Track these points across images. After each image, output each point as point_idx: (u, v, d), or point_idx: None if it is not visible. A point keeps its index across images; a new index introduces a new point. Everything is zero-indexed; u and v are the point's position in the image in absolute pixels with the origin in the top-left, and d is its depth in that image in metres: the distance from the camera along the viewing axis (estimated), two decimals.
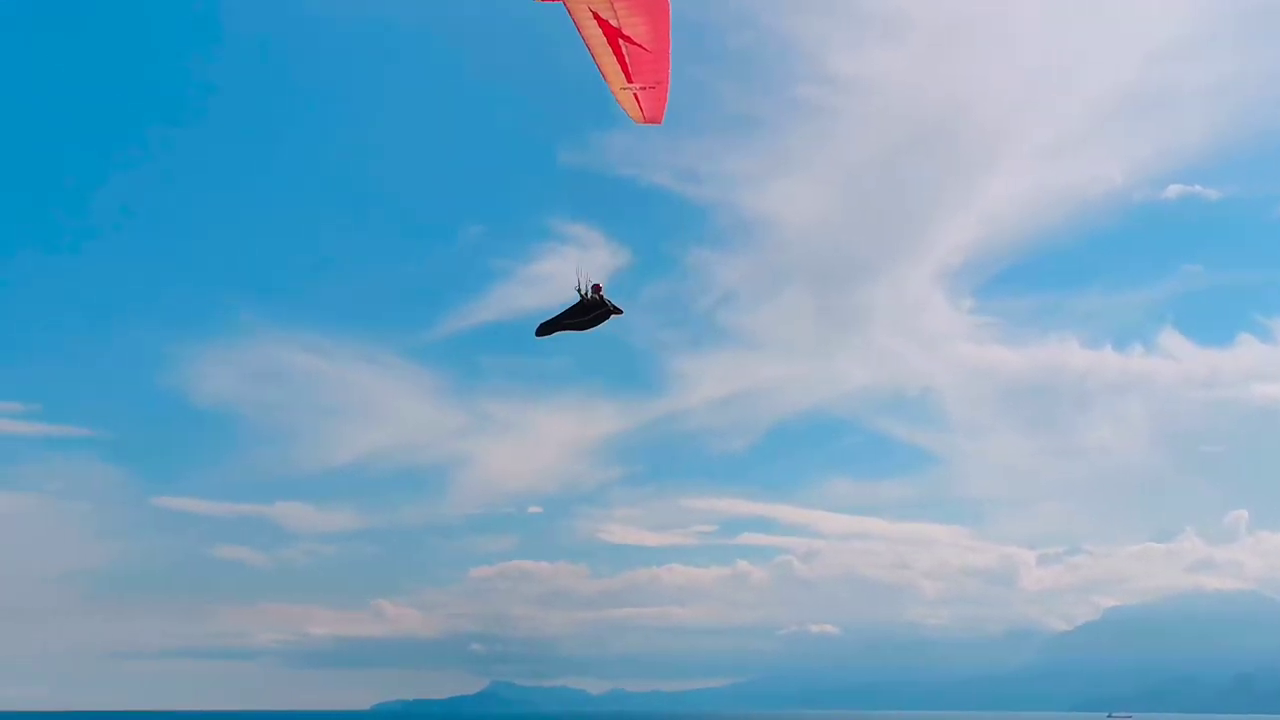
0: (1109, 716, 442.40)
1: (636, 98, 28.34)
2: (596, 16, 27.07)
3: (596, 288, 26.07)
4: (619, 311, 26.30)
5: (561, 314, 25.94)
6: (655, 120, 28.82)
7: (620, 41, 27.48)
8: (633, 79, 28.04)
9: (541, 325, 25.64)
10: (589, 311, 25.97)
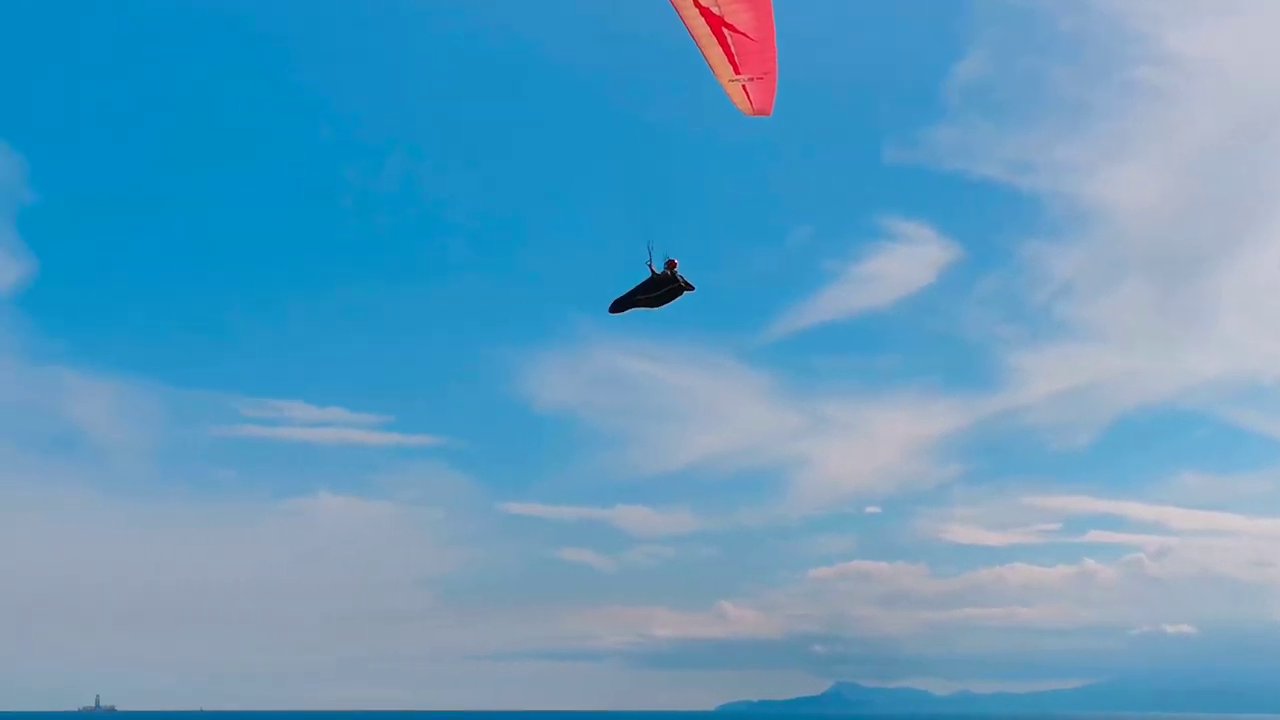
0: None
1: (745, 89, 27.09)
2: (698, 4, 25.95)
3: (672, 264, 25.31)
4: (690, 288, 25.61)
5: (634, 290, 25.48)
6: (764, 112, 27.47)
7: (724, 31, 26.29)
8: (740, 70, 26.80)
9: (615, 302, 25.18)
10: (660, 287, 25.36)
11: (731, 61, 26.70)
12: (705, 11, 25.98)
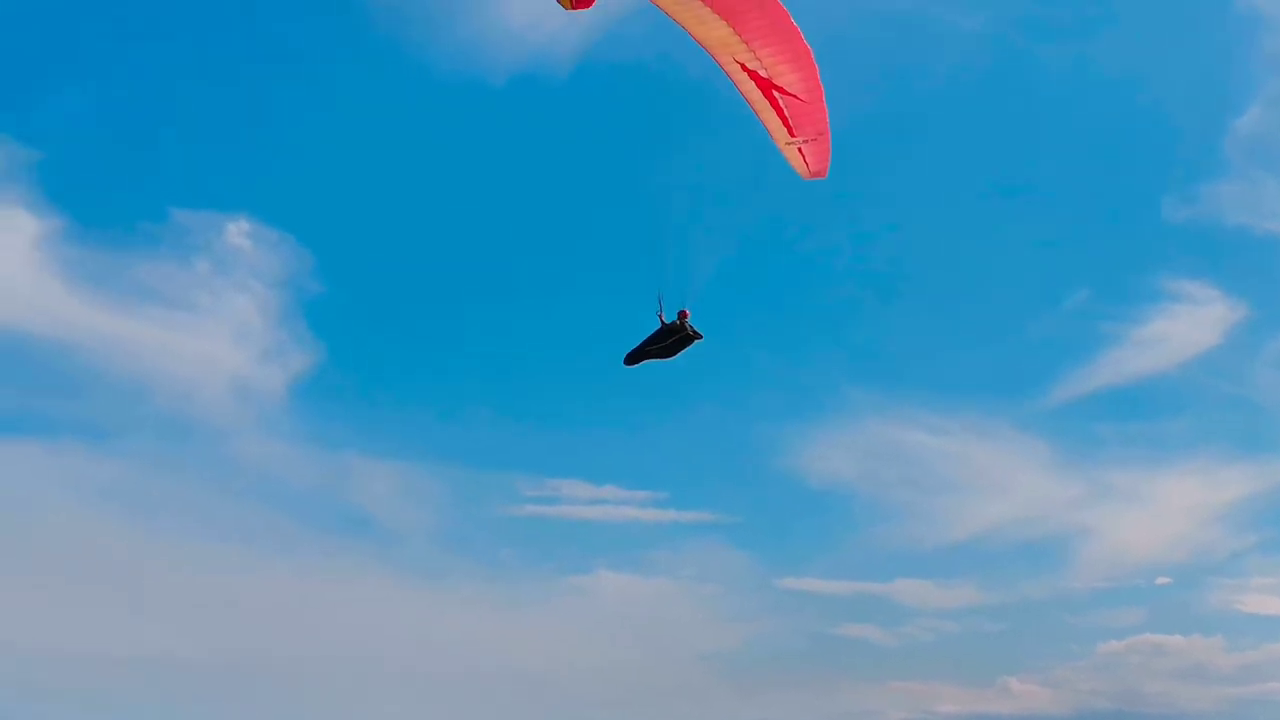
0: None
1: (801, 152, 26.36)
2: (745, 68, 25.50)
3: (683, 314, 24.73)
4: (699, 336, 24.97)
5: (645, 341, 24.88)
6: (821, 174, 26.68)
7: (775, 94, 25.68)
8: (795, 133, 26.12)
9: (627, 355, 24.62)
10: (669, 336, 24.71)
11: (786, 125, 26.06)
12: (754, 75, 25.46)
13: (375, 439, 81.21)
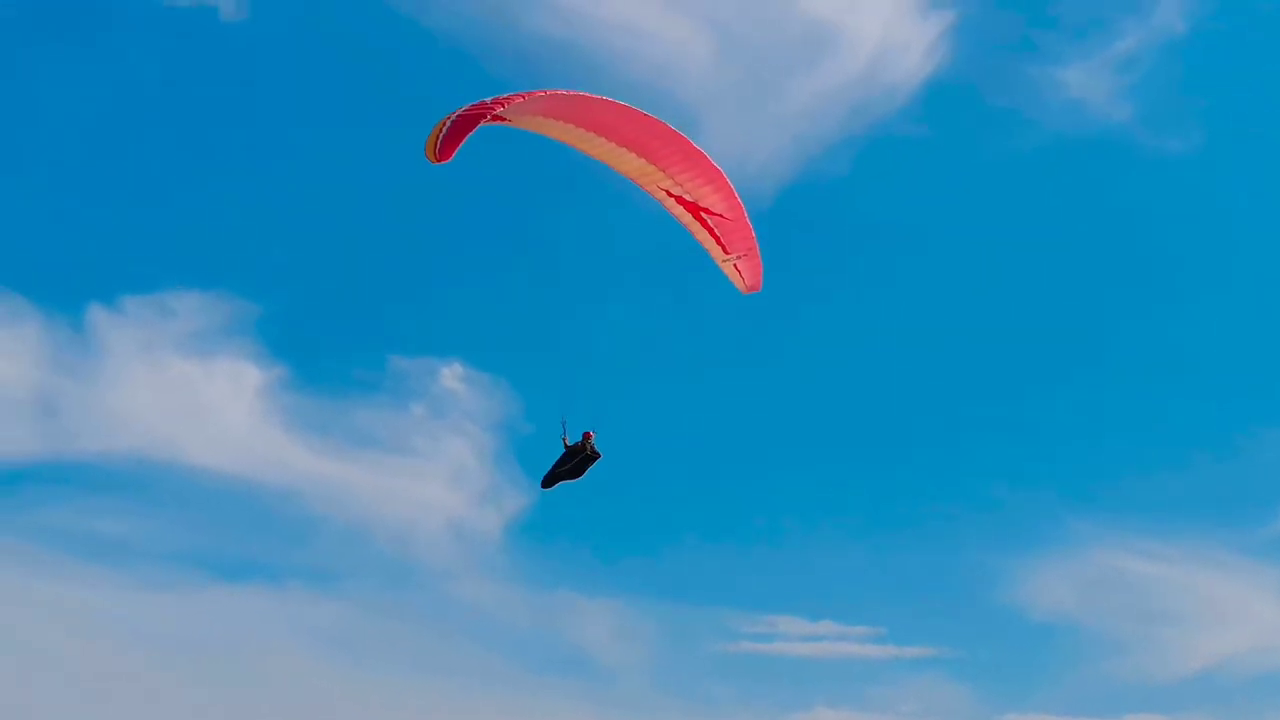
0: None
1: (737, 268, 27.36)
2: (670, 194, 26.84)
3: (587, 435, 25.85)
4: (598, 455, 25.89)
5: (554, 465, 25.97)
6: (755, 288, 27.47)
7: (703, 215, 26.85)
8: (729, 250, 27.17)
9: (544, 479, 25.86)
10: (574, 458, 25.73)
11: (720, 243, 27.12)
12: (680, 200, 26.70)
13: (588, 577, 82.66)
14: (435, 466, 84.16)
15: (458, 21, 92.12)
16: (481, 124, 23.79)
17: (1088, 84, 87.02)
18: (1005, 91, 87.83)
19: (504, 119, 24.47)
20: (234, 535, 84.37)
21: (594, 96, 25.37)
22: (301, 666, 75.39)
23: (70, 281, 78.63)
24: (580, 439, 25.55)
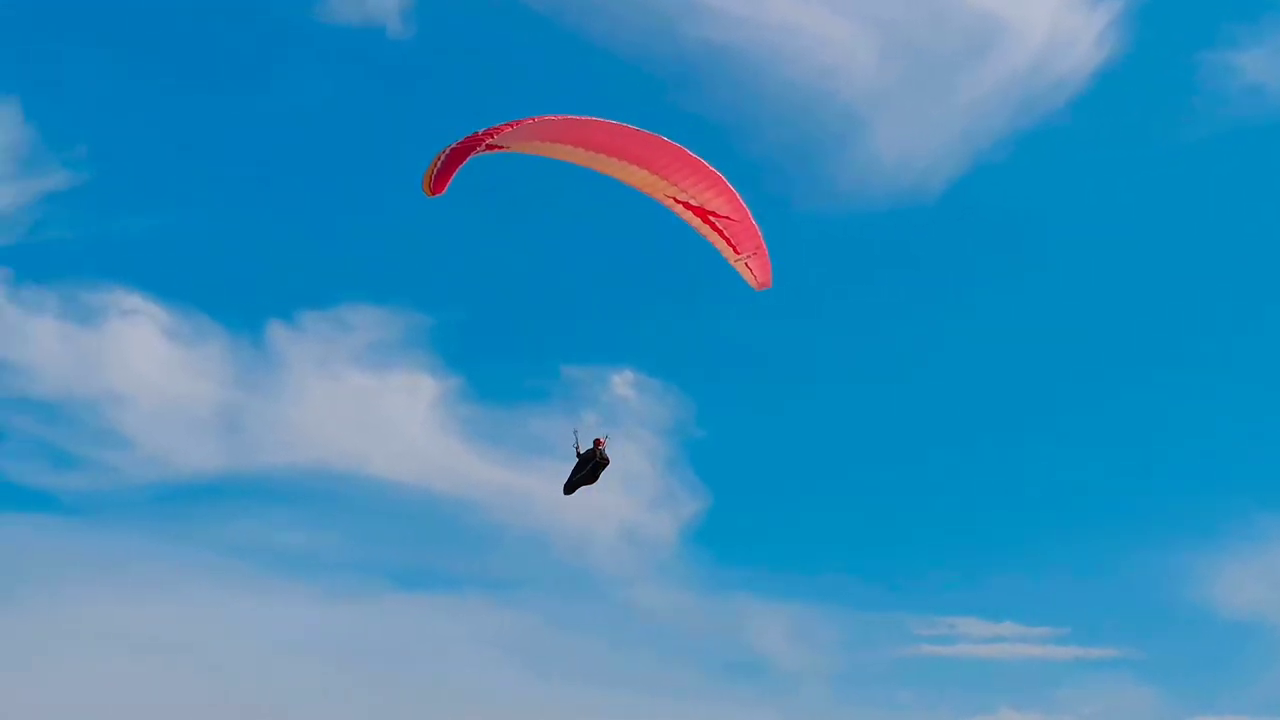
0: None
1: (748, 265, 28.45)
2: (678, 201, 28.08)
3: (599, 441, 27.28)
4: (607, 462, 27.25)
5: (572, 471, 27.48)
6: (767, 284, 28.43)
7: (711, 219, 28.05)
8: (739, 250, 28.30)
9: (564, 486, 27.46)
10: (587, 465, 27.17)
11: (730, 244, 28.24)
12: (688, 205, 27.92)
13: (766, 581, 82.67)
14: (608, 473, 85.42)
15: (620, 32, 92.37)
16: (475, 154, 25.41)
17: (1267, 68, 78.90)
18: (1177, 79, 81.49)
19: (500, 147, 26.02)
20: (413, 545, 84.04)
21: (592, 119, 26.81)
22: (480, 675, 74.82)
23: (251, 300, 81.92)
24: (592, 446, 26.98)
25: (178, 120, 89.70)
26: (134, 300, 79.52)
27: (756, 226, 27.88)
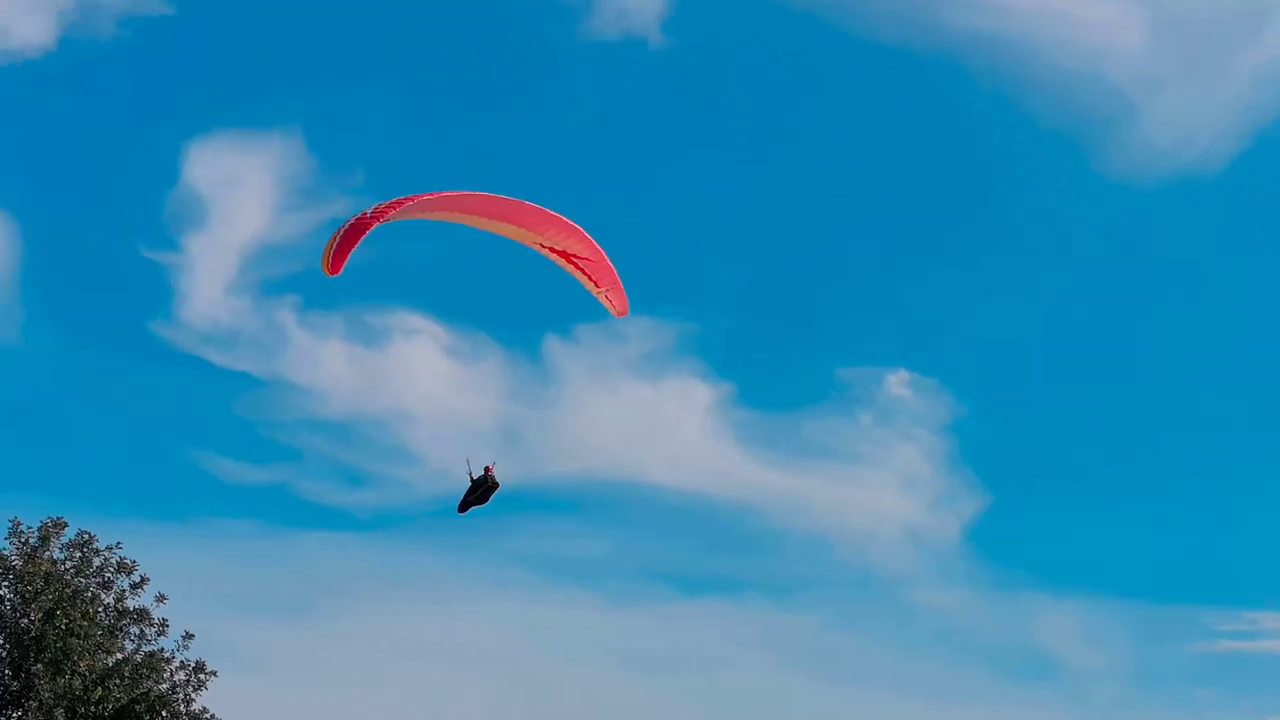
0: None
1: (608, 298, 33.59)
2: (543, 247, 33.17)
3: (488, 468, 31.19)
4: (497, 485, 31.15)
5: (465, 494, 31.40)
6: (624, 313, 33.64)
7: (574, 261, 33.14)
8: (600, 285, 33.45)
9: (459, 507, 31.31)
10: (480, 488, 31.13)
11: (592, 280, 33.42)
12: (553, 250, 33.04)
13: (1053, 578, 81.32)
14: (886, 474, 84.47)
15: (883, 25, 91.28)
16: (367, 233, 30.37)
17: None
18: None
19: (391, 219, 30.96)
20: (693, 551, 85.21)
21: (466, 193, 31.71)
22: (763, 678, 76.42)
23: (527, 316, 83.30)
24: (483, 473, 31.45)
25: (449, 142, 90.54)
26: (416, 321, 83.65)
27: (612, 267, 33.01)
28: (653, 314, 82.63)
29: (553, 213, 32.42)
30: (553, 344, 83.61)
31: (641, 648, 78.35)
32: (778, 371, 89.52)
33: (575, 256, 33.07)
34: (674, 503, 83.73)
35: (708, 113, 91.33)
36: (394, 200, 30.77)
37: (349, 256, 29.92)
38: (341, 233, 30.14)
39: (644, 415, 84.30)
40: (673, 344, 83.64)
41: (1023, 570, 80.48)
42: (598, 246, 32.86)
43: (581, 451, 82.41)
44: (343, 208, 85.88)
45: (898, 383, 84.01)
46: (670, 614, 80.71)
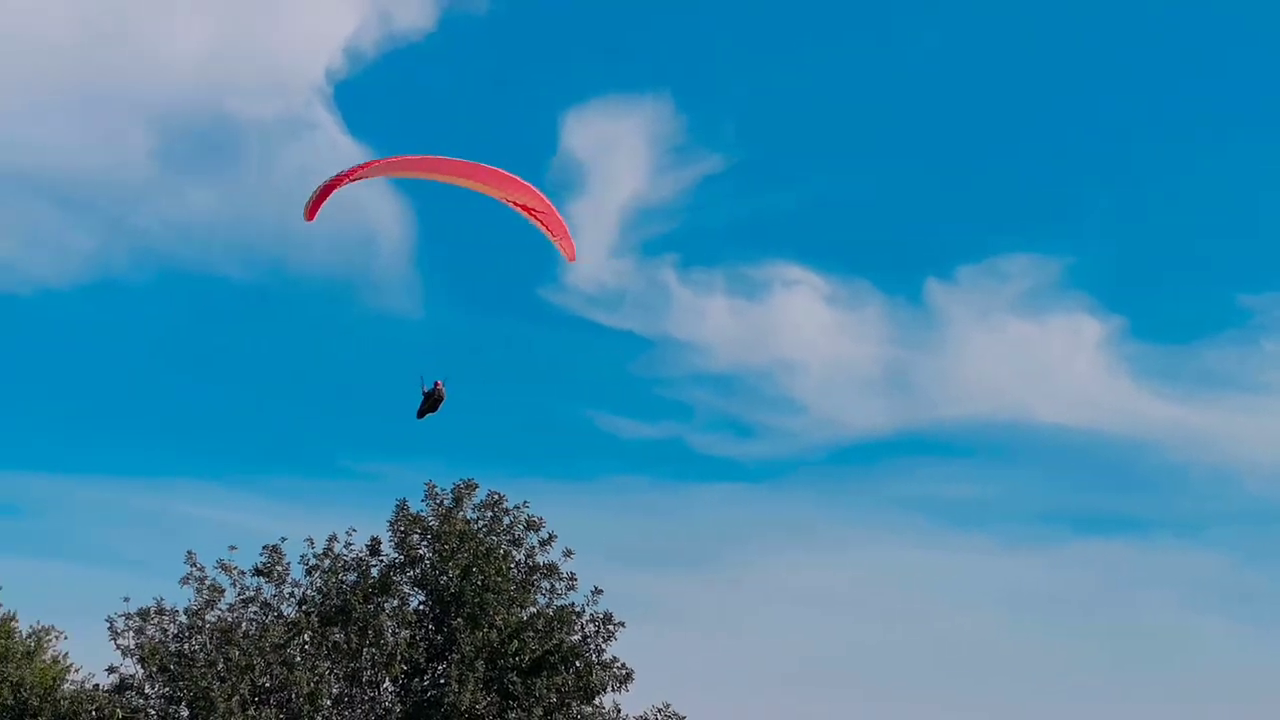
0: None
1: (560, 245, 38.31)
2: (505, 201, 38.04)
3: (438, 384, 35.26)
4: (443, 398, 35.20)
5: (420, 406, 35.72)
6: (573, 259, 38.38)
7: (532, 214, 37.94)
8: (554, 234, 38.19)
9: (417, 413, 35.58)
10: (428, 401, 35.43)
11: (548, 229, 38.14)
12: (514, 204, 37.90)
13: None
14: None
15: None
16: (340, 187, 35.45)
17: None
18: None
19: (360, 178, 35.97)
20: (1091, 490, 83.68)
21: (433, 156, 36.57)
22: (1174, 619, 74.16)
23: (906, 260, 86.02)
24: (433, 386, 36.18)
25: (812, 92, 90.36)
26: (795, 271, 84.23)
27: (561, 218, 37.74)
28: (1032, 250, 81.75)
29: (511, 175, 37.22)
30: (933, 286, 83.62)
31: (1037, 590, 78.26)
32: (1172, 301, 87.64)
33: (533, 210, 37.80)
34: (1066, 441, 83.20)
35: (1077, 34, 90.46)
36: (368, 163, 35.78)
37: (320, 208, 35.04)
38: (320, 187, 35.17)
39: (1030, 354, 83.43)
40: (1055, 279, 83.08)
41: None
42: (550, 203, 37.57)
43: (970, 394, 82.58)
44: (716, 164, 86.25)
45: None
46: (1065, 555, 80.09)
